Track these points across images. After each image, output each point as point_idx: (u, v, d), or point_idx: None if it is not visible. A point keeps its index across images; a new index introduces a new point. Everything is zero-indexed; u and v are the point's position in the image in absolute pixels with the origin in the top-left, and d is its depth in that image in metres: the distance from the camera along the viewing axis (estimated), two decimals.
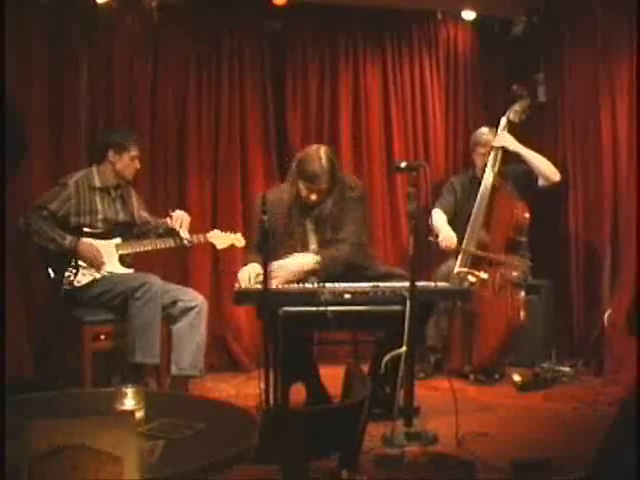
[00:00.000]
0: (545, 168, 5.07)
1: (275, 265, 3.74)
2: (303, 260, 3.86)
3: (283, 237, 3.94)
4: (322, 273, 3.84)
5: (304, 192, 3.92)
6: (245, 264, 3.96)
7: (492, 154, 5.03)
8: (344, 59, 5.56)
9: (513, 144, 5.06)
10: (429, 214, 5.14)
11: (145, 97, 5.11)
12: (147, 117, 5.12)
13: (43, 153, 4.71)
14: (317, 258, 3.86)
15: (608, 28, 4.95)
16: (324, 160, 3.88)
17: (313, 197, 3.91)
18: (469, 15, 5.68)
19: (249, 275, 3.81)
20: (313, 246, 4.00)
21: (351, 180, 4.15)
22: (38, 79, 4.69)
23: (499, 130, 5.09)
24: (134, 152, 4.40)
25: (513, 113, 5.09)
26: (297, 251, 3.93)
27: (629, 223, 4.75)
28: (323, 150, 3.94)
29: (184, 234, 4.40)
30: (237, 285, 3.76)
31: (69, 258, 4.18)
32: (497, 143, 5.04)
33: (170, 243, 4.43)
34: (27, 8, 4.56)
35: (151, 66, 5.13)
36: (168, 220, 4.44)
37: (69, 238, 4.18)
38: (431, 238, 5.00)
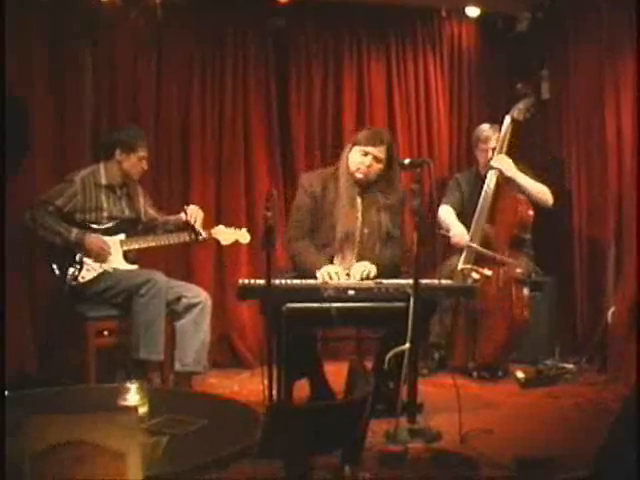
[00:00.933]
0: (539, 195, 4.99)
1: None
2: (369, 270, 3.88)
3: (327, 214, 3.99)
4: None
5: (358, 158, 3.95)
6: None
7: (490, 173, 4.97)
8: (348, 56, 5.55)
9: (510, 170, 4.96)
10: (432, 211, 5.13)
11: (149, 95, 5.12)
12: (151, 115, 5.12)
13: (47, 152, 4.71)
14: (374, 269, 3.89)
15: (613, 25, 4.94)
16: (387, 133, 4.08)
17: (367, 162, 3.93)
18: (473, 12, 5.67)
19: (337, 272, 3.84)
20: (356, 226, 4.01)
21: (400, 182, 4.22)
22: (41, 78, 4.68)
23: (495, 153, 5.03)
24: (142, 153, 4.38)
25: (517, 111, 5.06)
26: (339, 228, 3.97)
27: (633, 220, 4.74)
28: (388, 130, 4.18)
29: (198, 228, 4.40)
30: (241, 281, 3.76)
31: (74, 254, 4.19)
32: (495, 164, 4.99)
33: (181, 238, 4.42)
34: (28, 7, 4.55)
35: (155, 64, 5.13)
36: (182, 215, 4.43)
37: (75, 231, 4.19)
38: (442, 231, 4.99)
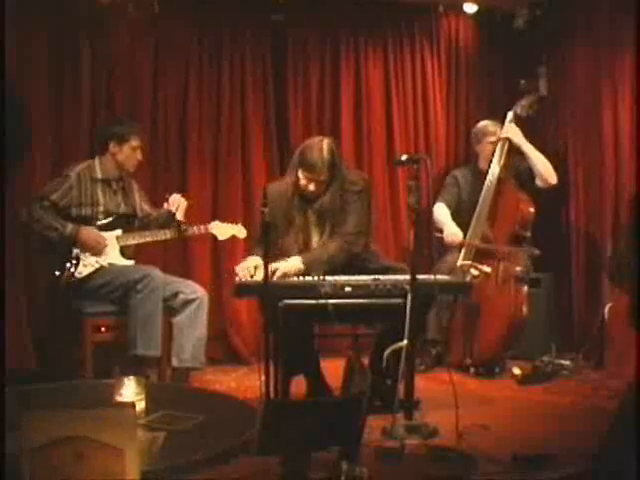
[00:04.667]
0: (543, 168, 5.02)
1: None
2: (289, 265, 3.80)
3: (283, 228, 3.95)
4: (308, 273, 3.79)
5: (303, 181, 3.91)
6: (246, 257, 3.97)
7: (499, 145, 5.01)
8: (345, 52, 5.55)
9: (518, 137, 5.02)
10: (430, 207, 5.14)
11: (147, 92, 5.12)
12: (149, 111, 5.12)
13: (45, 150, 4.72)
14: (300, 263, 3.80)
15: (611, 22, 4.94)
16: (325, 151, 3.87)
17: (311, 187, 3.90)
18: (471, 8, 5.68)
19: (248, 268, 3.80)
20: (315, 239, 3.99)
21: (354, 174, 4.15)
22: (40, 78, 4.70)
23: (507, 122, 5.07)
24: (135, 143, 4.39)
25: (520, 108, 5.07)
26: (298, 243, 3.94)
27: (630, 217, 4.75)
28: (325, 141, 3.94)
29: (179, 216, 4.37)
30: (237, 278, 3.75)
31: (70, 249, 4.18)
32: (504, 133, 5.02)
33: (171, 234, 4.42)
34: (27, 5, 4.54)
35: (152, 62, 5.13)
36: (165, 204, 4.42)
37: (70, 226, 4.18)
38: (437, 233, 5.00)
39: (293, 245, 3.96)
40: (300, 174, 3.91)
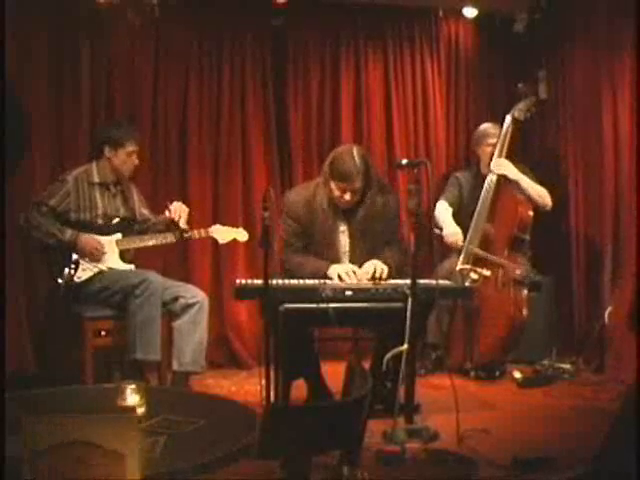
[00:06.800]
0: (539, 198, 5.01)
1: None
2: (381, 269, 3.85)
3: (321, 238, 3.96)
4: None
5: (337, 192, 3.87)
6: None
7: (492, 178, 4.97)
8: (346, 56, 5.56)
9: (514, 173, 4.97)
10: (431, 211, 5.13)
11: (147, 96, 5.12)
12: (149, 115, 5.13)
13: (45, 152, 4.72)
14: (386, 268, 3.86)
15: (609, 25, 4.94)
16: (357, 158, 3.84)
17: (347, 197, 3.87)
18: (471, 12, 5.68)
19: (350, 272, 3.83)
20: (345, 250, 4.00)
21: (387, 184, 4.16)
22: (40, 78, 4.71)
23: (494, 159, 5.03)
24: (131, 148, 4.36)
25: (518, 111, 5.07)
26: (327, 252, 3.96)
27: (630, 220, 4.75)
28: (356, 149, 3.93)
29: (182, 225, 4.35)
30: (238, 282, 3.75)
31: (69, 254, 4.18)
32: (497, 170, 4.97)
33: (170, 238, 4.40)
34: (27, 5, 4.55)
35: (153, 65, 5.14)
36: (167, 212, 4.39)
37: (69, 232, 4.18)
38: (437, 230, 4.99)
39: (338, 254, 3.98)
40: (333, 185, 3.88)
